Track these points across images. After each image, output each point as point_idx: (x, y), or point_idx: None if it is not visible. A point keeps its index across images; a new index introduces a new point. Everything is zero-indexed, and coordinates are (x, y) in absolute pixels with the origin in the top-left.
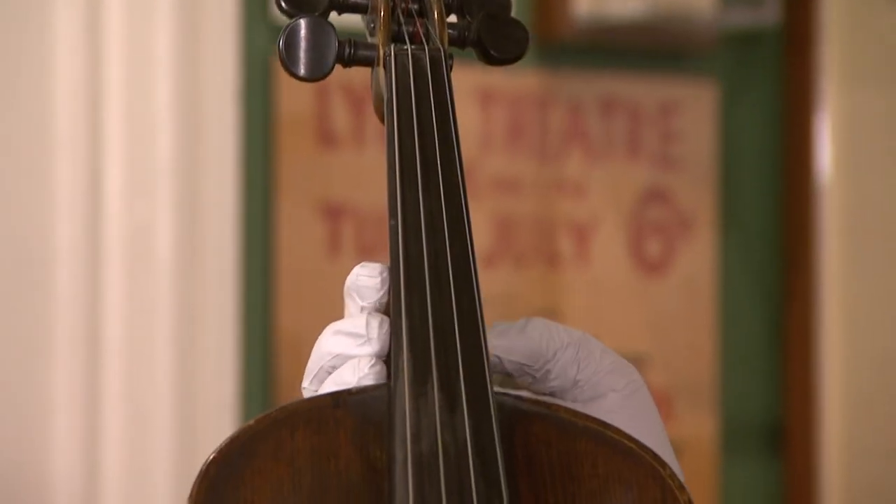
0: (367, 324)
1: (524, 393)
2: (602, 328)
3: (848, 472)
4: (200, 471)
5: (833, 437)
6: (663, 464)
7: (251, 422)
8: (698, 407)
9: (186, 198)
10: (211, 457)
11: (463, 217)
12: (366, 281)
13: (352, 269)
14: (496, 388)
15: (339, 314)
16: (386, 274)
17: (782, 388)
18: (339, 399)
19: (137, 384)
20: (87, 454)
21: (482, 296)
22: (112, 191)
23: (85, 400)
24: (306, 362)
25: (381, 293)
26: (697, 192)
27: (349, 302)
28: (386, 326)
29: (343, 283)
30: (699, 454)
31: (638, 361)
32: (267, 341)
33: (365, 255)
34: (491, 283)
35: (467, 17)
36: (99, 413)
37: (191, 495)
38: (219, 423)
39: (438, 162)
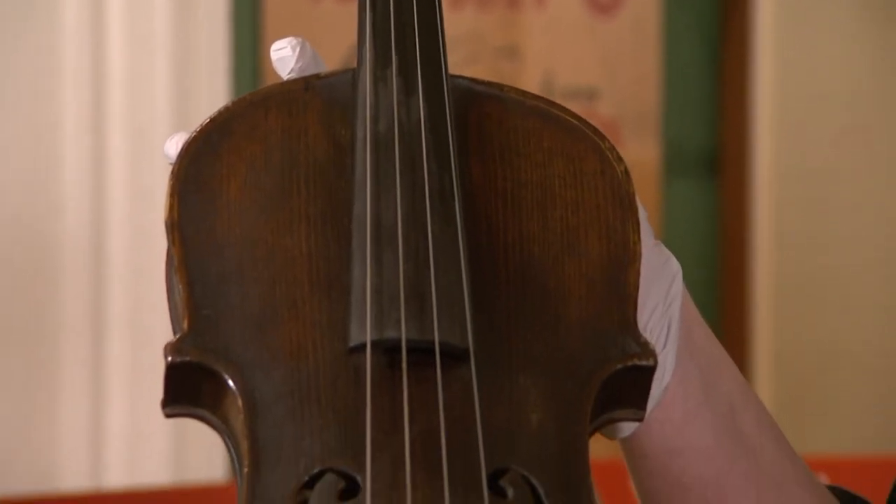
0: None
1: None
2: (558, 64)
3: (777, 191)
4: (181, 148)
5: (763, 160)
6: (603, 137)
7: (229, 104)
8: (643, 135)
9: None
10: (192, 135)
11: None
12: (279, 54)
13: (333, 11)
14: (451, 73)
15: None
16: (296, 42)
17: (719, 116)
18: (308, 83)
19: (139, 109)
20: (95, 210)
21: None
22: None
23: (91, 123)
24: None
25: (298, 59)
26: None
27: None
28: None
29: (324, 25)
30: (644, 177)
31: (590, 94)
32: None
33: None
34: (456, 23)
35: None
36: (104, 138)
37: (173, 171)
38: None
39: None
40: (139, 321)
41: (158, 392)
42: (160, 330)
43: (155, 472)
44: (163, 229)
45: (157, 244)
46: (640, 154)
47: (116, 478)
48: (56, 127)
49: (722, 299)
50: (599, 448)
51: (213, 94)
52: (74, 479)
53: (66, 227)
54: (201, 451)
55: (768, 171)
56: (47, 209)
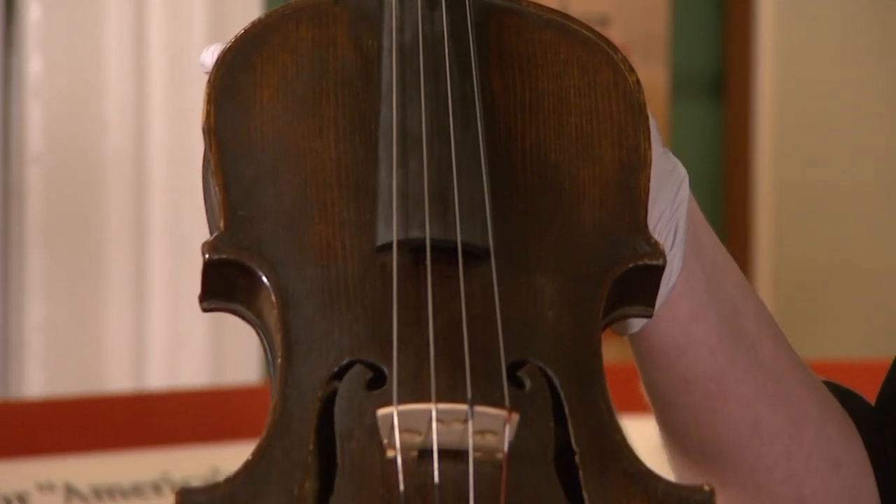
0: None
1: None
2: None
3: (778, 113)
4: (217, 58)
5: (766, 83)
6: (616, 50)
7: (262, 16)
8: (652, 59)
9: None
10: (227, 45)
11: None
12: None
13: None
14: None
15: None
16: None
17: (724, 41)
18: None
19: (178, 29)
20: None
21: None
22: None
23: (133, 44)
24: None
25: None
26: None
27: None
28: None
29: None
30: (652, 100)
31: (602, 20)
32: None
33: None
34: None
35: None
36: (145, 58)
37: (210, 80)
38: None
39: None
40: (178, 232)
41: (197, 298)
42: (198, 240)
43: (194, 375)
44: (200, 144)
45: (195, 159)
46: (649, 78)
47: (158, 380)
48: (100, 49)
49: (726, 216)
50: (609, 353)
51: (247, 11)
52: (118, 381)
53: (109, 143)
54: (237, 355)
55: (770, 92)
56: (92, 127)
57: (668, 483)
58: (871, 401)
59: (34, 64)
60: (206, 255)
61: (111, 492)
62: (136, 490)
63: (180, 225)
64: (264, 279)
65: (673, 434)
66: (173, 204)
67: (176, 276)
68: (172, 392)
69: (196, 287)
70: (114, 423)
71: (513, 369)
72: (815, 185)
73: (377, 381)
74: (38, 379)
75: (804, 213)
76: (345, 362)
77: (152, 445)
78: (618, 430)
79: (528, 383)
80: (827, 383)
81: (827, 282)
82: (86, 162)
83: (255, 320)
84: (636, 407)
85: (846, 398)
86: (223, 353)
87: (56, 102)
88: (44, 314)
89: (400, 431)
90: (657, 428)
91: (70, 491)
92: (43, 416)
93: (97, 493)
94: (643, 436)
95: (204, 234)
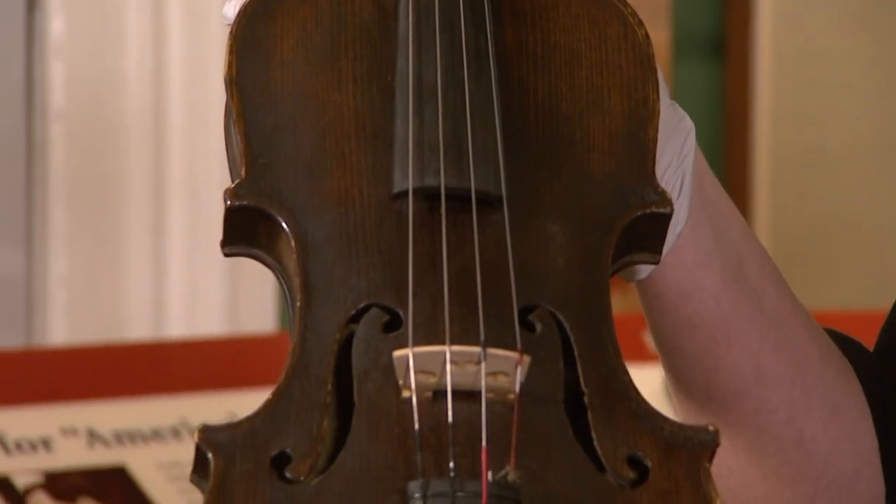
0: None
1: None
2: None
3: (777, 74)
4: (239, 10)
5: (766, 44)
6: (625, 3)
7: None
8: (655, 21)
9: None
10: None
11: None
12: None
13: None
14: None
15: None
16: None
17: (725, 3)
18: None
19: None
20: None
21: None
22: None
23: (152, 2)
24: None
25: None
26: None
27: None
28: None
29: None
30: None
31: None
32: None
33: None
34: None
35: None
36: (164, 16)
37: (231, 32)
38: None
39: None
40: (196, 187)
41: (215, 251)
42: (215, 195)
43: (211, 324)
44: (217, 101)
45: (213, 115)
46: (652, 38)
47: (176, 329)
48: (120, 8)
49: (726, 172)
50: (613, 304)
51: None
52: (139, 330)
53: (129, 100)
54: (252, 305)
55: (770, 53)
56: (113, 84)
57: (673, 423)
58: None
59: (56, 24)
60: (228, 202)
61: (132, 436)
62: (156, 434)
63: (198, 180)
64: (284, 225)
65: (679, 379)
66: (191, 160)
67: (194, 229)
68: (190, 340)
69: (213, 240)
70: (134, 371)
71: (524, 313)
72: (811, 142)
73: (393, 324)
74: (62, 328)
75: (801, 170)
76: (362, 306)
77: (171, 392)
78: (625, 373)
79: (538, 327)
80: (827, 330)
81: (823, 235)
82: (107, 119)
83: (275, 265)
84: (639, 356)
85: (846, 345)
86: (239, 303)
87: (78, 61)
88: (66, 266)
89: (415, 372)
90: (664, 373)
91: (92, 435)
92: (66, 364)
93: (118, 437)
94: (645, 384)
95: (221, 188)
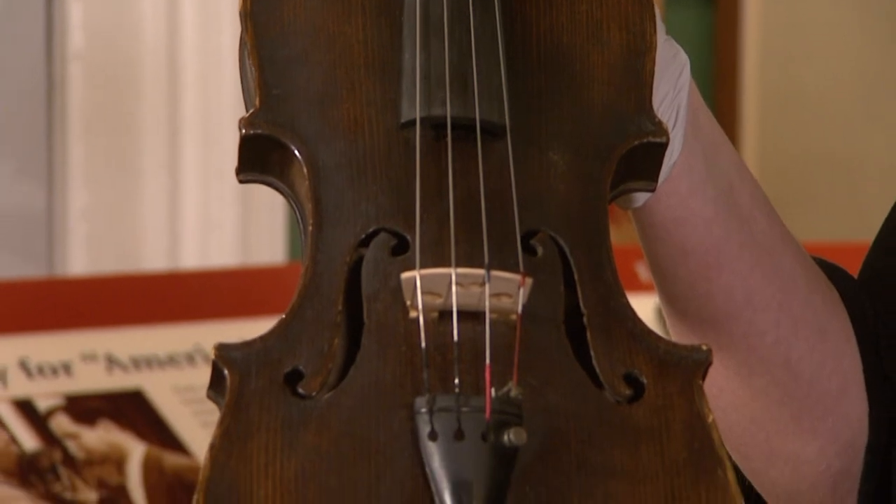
0: None
1: None
2: None
3: (764, 17)
4: None
5: None
6: None
7: None
8: None
9: None
10: None
11: None
12: None
13: None
14: None
15: None
16: None
17: None
18: None
19: None
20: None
21: None
22: None
23: None
24: None
25: None
26: None
27: None
28: None
29: None
30: None
31: None
32: None
33: None
34: None
35: None
36: None
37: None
38: None
39: None
40: (209, 123)
41: (228, 185)
42: (227, 131)
43: (224, 255)
44: (231, 39)
45: (225, 55)
46: None
47: (191, 259)
48: None
49: (715, 111)
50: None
51: None
52: (155, 261)
53: (145, 40)
54: (264, 237)
55: None
56: (129, 25)
57: (668, 342)
58: None
59: None
60: (243, 130)
61: (149, 362)
62: (172, 360)
63: (211, 116)
64: (296, 153)
65: (673, 304)
66: (205, 97)
67: (207, 164)
68: (204, 271)
69: (226, 174)
70: (150, 300)
71: (526, 237)
72: (796, 82)
73: (401, 247)
74: (81, 259)
75: (787, 108)
76: (371, 230)
77: (186, 320)
78: (622, 295)
79: (540, 250)
80: (816, 259)
81: (807, 171)
82: (124, 58)
83: (288, 191)
84: (632, 286)
85: (832, 272)
86: (251, 234)
87: (96, 3)
88: (86, 199)
89: (422, 293)
90: (659, 299)
91: (111, 361)
92: (86, 293)
93: (136, 363)
94: (638, 312)
95: (233, 124)
